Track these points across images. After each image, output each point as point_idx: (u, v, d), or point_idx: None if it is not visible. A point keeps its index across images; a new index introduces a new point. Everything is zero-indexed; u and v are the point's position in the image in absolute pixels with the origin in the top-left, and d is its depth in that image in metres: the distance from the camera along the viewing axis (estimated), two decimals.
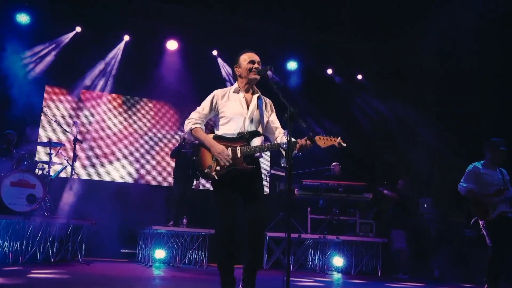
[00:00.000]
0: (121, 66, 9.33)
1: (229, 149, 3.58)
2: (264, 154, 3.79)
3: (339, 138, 3.58)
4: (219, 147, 3.55)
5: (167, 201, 8.06)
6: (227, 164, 3.52)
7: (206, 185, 9.19)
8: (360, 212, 8.18)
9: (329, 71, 10.31)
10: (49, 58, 8.97)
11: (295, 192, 7.96)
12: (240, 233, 3.56)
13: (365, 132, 10.00)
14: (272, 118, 3.84)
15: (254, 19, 9.06)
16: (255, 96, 3.76)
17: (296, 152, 3.55)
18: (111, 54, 9.41)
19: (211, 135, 3.69)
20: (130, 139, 9.32)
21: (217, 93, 3.77)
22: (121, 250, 8.25)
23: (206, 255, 7.31)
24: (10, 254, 5.98)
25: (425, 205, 8.68)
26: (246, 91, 3.77)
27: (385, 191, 8.12)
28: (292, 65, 10.14)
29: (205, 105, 3.74)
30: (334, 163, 8.61)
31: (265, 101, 3.84)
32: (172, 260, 7.23)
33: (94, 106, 9.16)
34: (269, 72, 3.69)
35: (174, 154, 7.97)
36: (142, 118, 9.50)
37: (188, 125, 3.71)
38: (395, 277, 7.39)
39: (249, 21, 9.16)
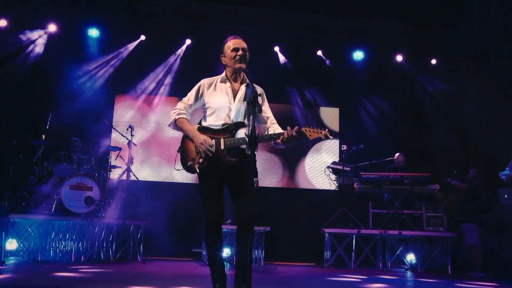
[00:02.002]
0: (181, 69, 9.53)
1: (213, 141, 3.42)
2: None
3: (326, 130, 3.33)
4: (201, 138, 3.41)
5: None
6: (209, 155, 3.37)
7: (264, 182, 9.15)
8: (428, 205, 7.61)
9: (399, 58, 9.72)
10: (116, 66, 9.39)
11: (355, 186, 7.58)
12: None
13: (430, 118, 9.36)
14: (263, 108, 3.62)
15: (316, 12, 8.79)
16: (243, 86, 3.56)
17: (280, 142, 3.38)
18: (171, 59, 9.64)
19: (196, 126, 3.55)
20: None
21: (204, 82, 3.62)
22: (193, 250, 8.33)
23: (263, 253, 7.21)
24: (72, 253, 6.30)
25: (506, 196, 7.85)
26: (234, 80, 3.59)
27: (454, 182, 7.47)
28: (358, 55, 9.72)
29: (190, 95, 3.61)
30: (397, 154, 8.11)
31: (256, 89, 3.58)
32: (230, 259, 7.23)
33: (156, 110, 9.39)
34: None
35: None
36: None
37: (172, 115, 3.58)
38: (469, 275, 6.77)
39: (311, 14, 8.91)
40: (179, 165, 3.53)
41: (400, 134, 9.23)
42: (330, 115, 9.91)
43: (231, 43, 3.56)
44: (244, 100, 3.50)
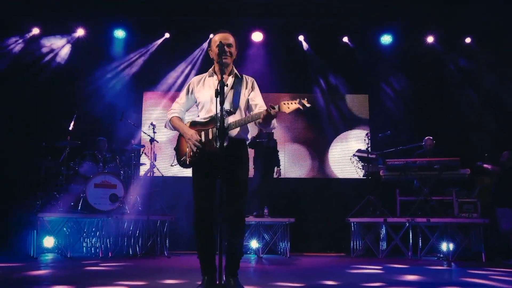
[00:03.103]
0: (206, 64, 9.57)
1: (202, 133, 3.50)
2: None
3: (305, 99, 3.29)
4: (189, 133, 3.49)
5: (251, 192, 8.09)
6: (197, 147, 3.43)
7: (287, 173, 9.08)
8: (460, 190, 7.31)
9: (430, 39, 9.34)
10: (140, 63, 9.56)
11: (381, 174, 7.38)
12: None
13: (461, 100, 8.96)
14: (252, 96, 3.62)
15: None
16: (231, 77, 3.60)
17: (261, 122, 3.39)
18: (196, 54, 9.71)
19: (188, 123, 3.63)
20: None
21: (194, 80, 3.69)
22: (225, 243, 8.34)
23: (289, 245, 7.16)
24: (100, 250, 6.49)
25: None
26: (222, 73, 3.57)
27: (485, 165, 7.13)
28: (386, 39, 9.43)
29: (182, 94, 3.71)
30: (425, 138, 7.82)
31: (246, 80, 3.65)
32: (257, 251, 7.24)
33: None
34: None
35: (251, 145, 7.94)
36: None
37: (167, 115, 3.68)
38: (505, 263, 6.45)
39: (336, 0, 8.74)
40: (175, 162, 3.62)
41: (430, 118, 8.89)
42: (359, 102, 9.68)
43: (217, 37, 3.57)
44: (231, 89, 3.54)
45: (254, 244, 7.12)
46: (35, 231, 6.27)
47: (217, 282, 3.00)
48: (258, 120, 3.42)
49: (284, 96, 9.64)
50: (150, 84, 9.49)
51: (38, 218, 6.29)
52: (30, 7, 8.54)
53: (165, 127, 3.71)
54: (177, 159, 3.62)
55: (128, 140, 7.92)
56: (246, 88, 3.63)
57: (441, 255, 6.88)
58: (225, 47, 3.50)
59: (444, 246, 6.83)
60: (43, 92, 8.62)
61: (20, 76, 8.65)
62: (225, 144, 3.30)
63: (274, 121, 3.47)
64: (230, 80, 3.60)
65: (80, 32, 9.16)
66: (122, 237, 6.67)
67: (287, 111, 3.30)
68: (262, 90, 9.56)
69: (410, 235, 6.90)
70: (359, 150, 7.83)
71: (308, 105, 3.28)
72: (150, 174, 7.10)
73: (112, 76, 9.27)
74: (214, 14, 9.12)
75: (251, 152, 8.11)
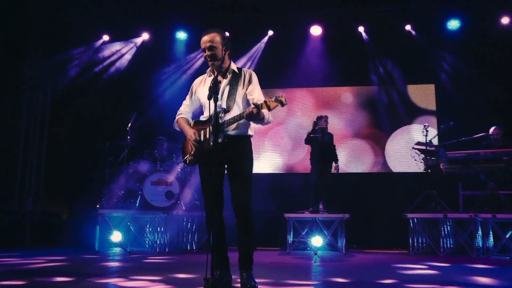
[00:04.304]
0: (263, 60, 9.62)
1: (202, 132, 3.58)
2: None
3: (280, 96, 3.33)
4: (189, 132, 3.58)
5: (307, 188, 8.03)
6: (197, 146, 3.52)
7: (346, 168, 8.87)
8: None
9: (505, 20, 8.62)
10: (200, 64, 9.82)
11: (441, 167, 7.00)
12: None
13: None
14: (249, 90, 3.60)
15: None
16: (228, 73, 3.62)
17: (247, 119, 3.44)
18: (254, 51, 9.79)
19: (192, 122, 3.72)
20: (274, 130, 9.50)
21: (196, 81, 3.78)
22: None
23: (344, 241, 7.02)
24: (157, 245, 6.77)
25: None
26: (219, 72, 3.58)
27: None
28: (453, 24, 8.91)
29: (187, 96, 3.81)
30: (492, 128, 7.31)
31: (244, 74, 3.65)
32: (313, 247, 7.17)
33: None
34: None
35: (307, 140, 7.89)
36: (286, 108, 9.52)
37: (176, 117, 3.79)
38: None
39: None
40: (180, 160, 3.76)
41: (499, 107, 8.25)
42: (424, 92, 9.23)
43: (201, 42, 3.60)
44: (227, 85, 3.60)
45: (314, 240, 7.06)
46: (98, 226, 6.67)
47: (208, 277, 3.09)
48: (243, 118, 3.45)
49: (343, 89, 9.45)
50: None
51: (101, 214, 6.68)
52: (100, 16, 9.09)
53: (174, 127, 3.84)
54: (183, 158, 3.77)
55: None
56: (243, 83, 3.63)
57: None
58: (206, 50, 3.53)
59: None
60: (108, 94, 9.12)
61: (88, 80, 9.25)
62: (219, 140, 3.37)
63: (267, 117, 3.48)
64: (228, 77, 3.63)
65: (144, 36, 9.60)
66: (179, 232, 6.90)
67: (269, 109, 3.35)
68: (319, 84, 9.51)
69: (479, 232, 6.48)
70: (418, 143, 7.46)
71: (285, 102, 3.34)
72: None
73: (173, 76, 9.60)
74: (273, 9, 9.12)
75: (307, 148, 8.04)
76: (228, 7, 9.16)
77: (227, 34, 9.59)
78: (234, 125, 3.53)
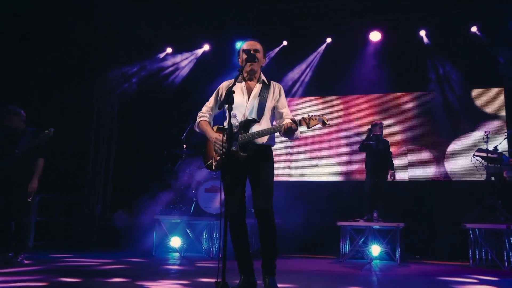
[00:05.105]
0: (320, 68, 9.62)
1: (225, 138, 3.54)
2: None
3: (322, 115, 3.33)
4: (213, 137, 3.59)
5: (362, 195, 7.90)
6: (221, 151, 3.53)
7: (403, 176, 8.59)
8: None
9: None
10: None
11: (504, 175, 6.62)
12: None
13: None
14: (279, 104, 3.67)
15: None
16: (258, 83, 3.66)
17: (282, 134, 3.49)
18: (311, 57, 9.83)
19: (216, 127, 3.73)
20: (332, 137, 9.44)
21: (223, 84, 3.79)
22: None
23: (399, 250, 6.82)
24: (210, 251, 6.95)
25: None
26: (250, 79, 3.68)
27: None
28: None
29: (211, 98, 3.82)
30: None
31: (273, 86, 3.69)
32: (365, 255, 7.06)
33: (299, 112, 9.67)
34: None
35: (361, 147, 7.79)
36: (344, 116, 9.47)
37: (197, 119, 3.80)
38: None
39: None
40: (202, 165, 3.81)
41: None
42: (492, 97, 8.76)
43: (245, 46, 3.72)
44: (258, 96, 3.65)
45: (372, 249, 6.95)
46: (155, 232, 6.98)
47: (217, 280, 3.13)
48: (280, 131, 3.50)
49: (402, 95, 9.20)
50: None
51: (157, 220, 6.99)
52: (165, 30, 9.61)
53: (195, 129, 3.88)
54: (204, 162, 3.81)
55: None
56: (273, 96, 3.70)
57: None
58: (251, 51, 3.62)
59: None
60: (167, 104, 9.54)
61: (151, 91, 9.74)
62: (233, 148, 3.44)
63: (297, 133, 3.52)
64: (257, 87, 3.69)
65: (205, 47, 9.96)
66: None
67: (308, 126, 3.39)
68: (377, 91, 9.33)
69: None
70: (479, 149, 7.12)
71: (328, 123, 3.35)
72: None
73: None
74: (332, 17, 9.13)
75: (362, 155, 7.92)
76: (287, 17, 9.30)
77: (285, 43, 9.77)
78: (266, 136, 3.59)
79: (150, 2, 8.92)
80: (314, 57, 9.82)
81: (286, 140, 9.21)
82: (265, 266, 3.59)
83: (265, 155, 3.64)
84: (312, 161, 9.43)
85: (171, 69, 10.08)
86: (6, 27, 7.67)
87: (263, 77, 3.76)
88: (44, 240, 8.13)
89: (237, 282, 3.63)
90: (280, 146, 9.48)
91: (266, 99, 3.66)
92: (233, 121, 3.69)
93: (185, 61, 10.19)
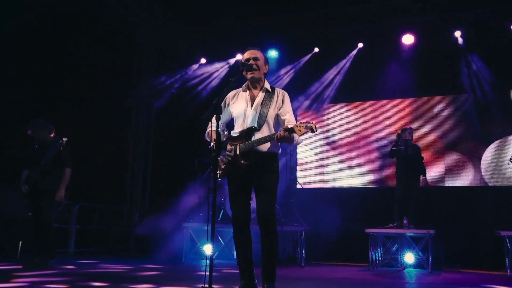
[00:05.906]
0: (351, 73, 9.54)
1: (232, 147, 3.65)
2: None
3: (312, 122, 3.33)
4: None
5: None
6: (228, 161, 3.63)
7: (436, 182, 8.32)
8: None
9: None
10: (287, 80, 10.09)
11: None
12: None
13: None
14: (282, 111, 3.69)
15: None
16: (262, 92, 3.71)
17: (278, 142, 3.55)
18: (342, 62, 9.77)
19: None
20: (363, 143, 9.32)
21: (229, 94, 3.85)
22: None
23: (430, 258, 6.62)
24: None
25: None
26: (254, 88, 3.74)
27: None
28: None
29: None
30: None
31: (277, 93, 3.72)
32: (395, 263, 6.91)
33: (329, 118, 9.66)
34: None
35: (390, 153, 7.66)
36: (375, 121, 9.34)
37: (207, 128, 3.86)
38: None
39: None
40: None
41: None
42: None
43: (245, 55, 3.77)
44: (261, 104, 3.69)
45: (405, 257, 6.84)
46: (184, 239, 7.15)
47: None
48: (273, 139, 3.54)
49: (436, 99, 8.93)
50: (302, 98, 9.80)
51: (186, 227, 7.15)
52: (199, 41, 9.93)
53: (205, 137, 3.96)
54: (214, 171, 3.82)
55: None
56: (276, 103, 3.72)
57: None
58: (251, 60, 3.68)
59: None
60: (199, 113, 9.72)
61: (184, 101, 10.01)
62: (221, 157, 3.62)
63: (297, 139, 3.53)
64: (260, 96, 3.73)
65: (238, 56, 10.12)
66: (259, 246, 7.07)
67: (299, 134, 3.38)
68: (409, 95, 9.09)
69: None
70: None
71: (316, 130, 3.36)
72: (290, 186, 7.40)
73: None
74: (363, 22, 9.11)
75: (394, 161, 7.75)
76: (319, 23, 9.33)
77: (316, 49, 9.76)
78: (268, 144, 3.63)
79: (185, 13, 9.25)
80: (345, 63, 9.73)
81: (317, 147, 9.26)
82: (265, 271, 3.61)
83: (268, 162, 3.67)
84: (344, 168, 9.32)
85: (203, 77, 10.31)
86: (54, 36, 8.15)
87: (266, 85, 3.80)
88: (85, 247, 8.50)
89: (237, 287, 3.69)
90: (311, 154, 9.46)
91: (269, 107, 3.70)
92: (236, 129, 3.81)
93: (218, 71, 10.40)
